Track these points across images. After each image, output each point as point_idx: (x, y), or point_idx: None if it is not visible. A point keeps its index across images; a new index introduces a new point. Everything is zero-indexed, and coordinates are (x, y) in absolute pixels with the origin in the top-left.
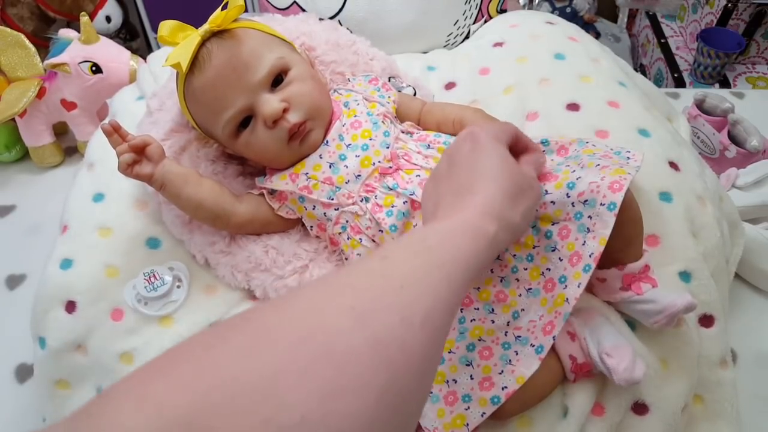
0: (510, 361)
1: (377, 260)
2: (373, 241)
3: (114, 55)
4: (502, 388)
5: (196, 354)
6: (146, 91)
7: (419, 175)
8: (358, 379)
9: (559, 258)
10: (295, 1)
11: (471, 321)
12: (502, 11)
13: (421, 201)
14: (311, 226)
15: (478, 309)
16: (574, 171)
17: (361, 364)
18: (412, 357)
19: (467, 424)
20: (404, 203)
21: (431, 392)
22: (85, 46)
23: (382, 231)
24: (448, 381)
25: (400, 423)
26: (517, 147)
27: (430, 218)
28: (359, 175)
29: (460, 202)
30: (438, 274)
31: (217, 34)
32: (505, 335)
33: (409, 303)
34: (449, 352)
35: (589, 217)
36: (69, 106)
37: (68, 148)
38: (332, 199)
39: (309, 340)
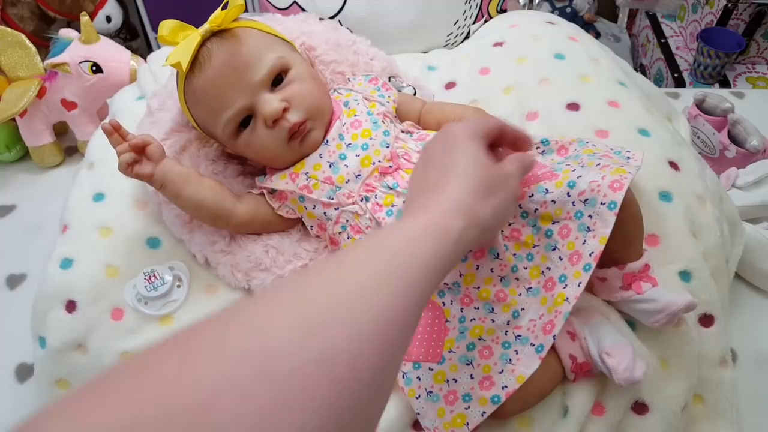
0: (510, 360)
1: (333, 267)
2: None
3: (114, 54)
4: (503, 388)
5: (131, 375)
6: (146, 91)
7: None
8: (301, 397)
9: (559, 257)
10: (295, 1)
11: (471, 320)
12: (502, 11)
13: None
14: (311, 226)
15: (478, 308)
16: (574, 170)
17: (306, 381)
18: (362, 371)
19: (467, 424)
20: (404, 202)
21: (431, 392)
22: (85, 46)
23: None
24: (448, 380)
25: None
26: (504, 141)
27: (402, 217)
28: (359, 175)
29: (427, 200)
30: (396, 280)
31: (217, 33)
32: (505, 334)
33: (362, 314)
34: (449, 352)
35: (590, 216)
36: (69, 105)
37: (68, 147)
38: (332, 199)
39: (249, 359)
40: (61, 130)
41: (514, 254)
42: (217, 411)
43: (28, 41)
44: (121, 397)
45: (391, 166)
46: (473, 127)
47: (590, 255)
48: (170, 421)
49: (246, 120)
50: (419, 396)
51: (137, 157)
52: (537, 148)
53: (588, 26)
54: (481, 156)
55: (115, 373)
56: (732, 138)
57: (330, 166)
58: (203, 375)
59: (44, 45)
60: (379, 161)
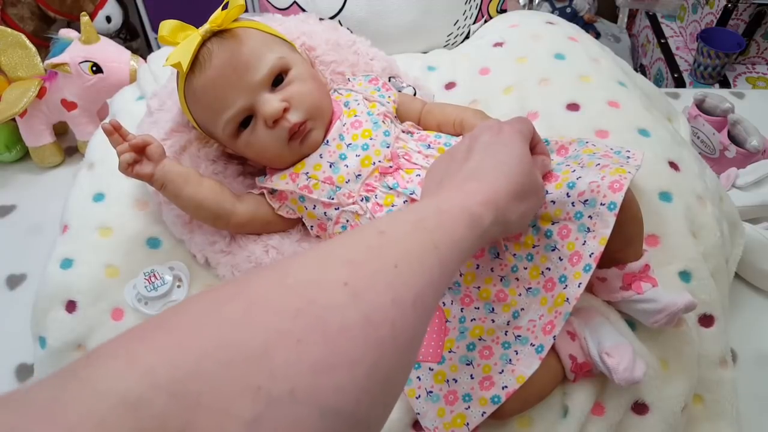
0: (510, 360)
1: (374, 235)
2: None
3: (114, 55)
4: (503, 388)
5: (190, 319)
6: (146, 91)
7: (419, 175)
8: (349, 355)
9: (559, 257)
10: (295, 1)
11: (471, 320)
12: (502, 11)
13: (426, 175)
14: (311, 226)
15: (478, 308)
16: (574, 171)
17: (353, 341)
18: (400, 337)
19: (467, 424)
20: (404, 202)
21: (431, 392)
22: (85, 46)
23: None
24: (448, 380)
25: (385, 399)
26: (530, 145)
27: (432, 193)
28: (359, 175)
29: (464, 185)
30: (432, 256)
31: (217, 33)
32: (505, 335)
33: (403, 283)
34: (449, 352)
35: (590, 216)
36: (69, 106)
37: (68, 148)
38: (332, 199)
39: (304, 313)
40: (61, 130)
41: (514, 254)
42: (275, 358)
43: (28, 41)
44: (186, 337)
45: (391, 166)
46: (526, 129)
47: (590, 256)
48: (232, 363)
49: (246, 120)
50: (419, 396)
51: (137, 157)
52: None
53: (588, 26)
54: (528, 160)
55: (180, 311)
56: (732, 138)
57: (330, 166)
58: (264, 323)
59: (44, 45)
60: (379, 161)
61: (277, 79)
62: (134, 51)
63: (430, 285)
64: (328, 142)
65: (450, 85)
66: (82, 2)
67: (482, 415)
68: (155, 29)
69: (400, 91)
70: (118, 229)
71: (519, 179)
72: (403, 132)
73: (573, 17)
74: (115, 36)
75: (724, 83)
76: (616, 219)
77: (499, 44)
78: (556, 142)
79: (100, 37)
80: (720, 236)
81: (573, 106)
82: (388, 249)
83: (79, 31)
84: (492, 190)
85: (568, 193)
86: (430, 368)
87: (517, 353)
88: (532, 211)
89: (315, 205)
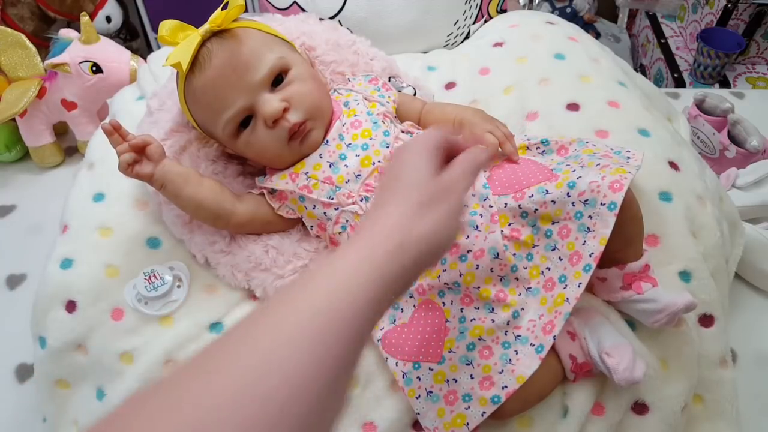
0: (510, 360)
1: (244, 331)
2: None
3: (114, 55)
4: (503, 388)
5: None
6: (146, 91)
7: None
8: None
9: (559, 257)
10: (295, 1)
11: (471, 320)
12: (502, 11)
13: None
14: (311, 226)
15: (478, 308)
16: (574, 170)
17: None
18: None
19: (467, 424)
20: None
21: (431, 392)
22: (85, 46)
23: None
24: (448, 380)
25: None
26: (448, 149)
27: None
28: (359, 175)
29: (364, 226)
30: (334, 325)
31: (217, 33)
32: (505, 335)
33: (267, 393)
34: (449, 352)
35: (590, 216)
36: (69, 106)
37: (68, 148)
38: (332, 199)
39: None
40: (61, 130)
41: (514, 254)
42: None
43: (28, 41)
44: None
45: None
46: (423, 139)
47: (590, 256)
48: None
49: (246, 120)
50: (419, 396)
51: (137, 157)
52: (537, 148)
53: (588, 26)
54: (423, 168)
55: None
56: (732, 138)
57: (330, 166)
58: None
59: (44, 45)
60: (379, 161)
61: (277, 79)
62: (134, 51)
63: (333, 354)
64: (327, 142)
65: (450, 85)
66: (82, 2)
67: (482, 415)
68: (155, 29)
69: (400, 91)
70: (118, 229)
71: (416, 191)
72: (403, 132)
73: (573, 17)
74: (115, 36)
75: (724, 83)
76: (616, 219)
77: (499, 44)
78: (556, 142)
79: (100, 37)
80: (720, 236)
81: (573, 106)
82: (248, 358)
83: (79, 31)
84: (388, 215)
85: (568, 193)
86: (430, 368)
87: (517, 353)
88: (452, 211)
89: (315, 205)
